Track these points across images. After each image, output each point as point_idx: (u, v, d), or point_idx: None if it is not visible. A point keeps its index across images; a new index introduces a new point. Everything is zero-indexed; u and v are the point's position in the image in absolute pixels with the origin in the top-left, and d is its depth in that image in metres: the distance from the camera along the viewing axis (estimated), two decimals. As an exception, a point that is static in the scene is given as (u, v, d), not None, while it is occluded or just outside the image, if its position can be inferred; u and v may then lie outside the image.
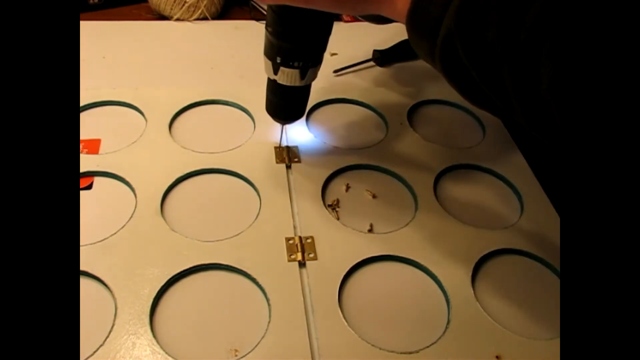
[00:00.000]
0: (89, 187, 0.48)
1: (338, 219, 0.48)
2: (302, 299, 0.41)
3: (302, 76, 0.45)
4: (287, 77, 0.45)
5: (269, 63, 0.45)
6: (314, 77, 0.47)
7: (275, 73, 0.45)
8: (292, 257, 0.44)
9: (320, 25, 0.44)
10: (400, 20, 0.35)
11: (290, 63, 0.44)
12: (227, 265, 0.43)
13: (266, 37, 0.45)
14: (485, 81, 0.32)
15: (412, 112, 0.62)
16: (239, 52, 0.70)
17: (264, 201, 0.48)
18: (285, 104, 0.49)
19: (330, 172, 0.52)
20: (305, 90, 0.49)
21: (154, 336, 0.38)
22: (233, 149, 0.53)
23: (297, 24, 0.42)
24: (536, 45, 0.28)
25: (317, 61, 0.46)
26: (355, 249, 0.45)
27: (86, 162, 0.50)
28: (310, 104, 0.56)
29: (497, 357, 0.39)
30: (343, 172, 0.53)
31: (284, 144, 0.54)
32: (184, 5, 0.74)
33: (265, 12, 0.79)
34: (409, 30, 0.35)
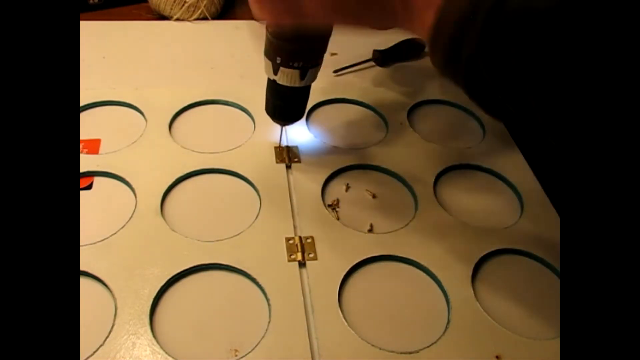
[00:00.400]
0: (89, 187, 0.48)
1: (338, 219, 0.48)
2: (302, 299, 0.41)
3: (302, 77, 0.45)
4: (287, 77, 0.45)
5: (269, 63, 0.45)
6: (313, 78, 0.47)
7: (275, 73, 0.45)
8: (292, 257, 0.44)
9: (321, 26, 0.44)
10: (424, 38, 0.34)
11: (290, 63, 0.44)
12: (227, 265, 0.43)
13: (266, 37, 0.44)
14: (510, 100, 0.32)
15: (412, 112, 0.62)
16: (239, 52, 0.70)
17: (264, 201, 0.48)
18: (285, 105, 0.49)
19: (330, 172, 0.52)
20: (304, 91, 0.49)
21: (154, 336, 0.38)
22: (233, 149, 0.53)
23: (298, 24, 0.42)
24: (559, 65, 0.28)
25: (317, 62, 0.46)
26: (355, 249, 0.45)
27: (86, 162, 0.50)
28: (310, 104, 0.56)
29: (497, 357, 0.39)
30: (343, 172, 0.53)
31: (284, 144, 0.54)
32: (184, 5, 0.74)
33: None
34: (431, 53, 0.34)
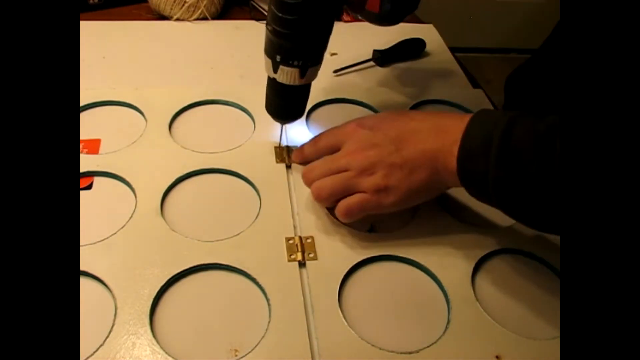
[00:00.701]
0: (89, 187, 0.48)
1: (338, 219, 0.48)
2: (302, 299, 0.41)
3: (302, 75, 0.45)
4: (287, 75, 0.45)
5: (269, 61, 0.45)
6: (313, 76, 0.47)
7: (275, 71, 0.45)
8: (292, 257, 0.44)
9: (321, 24, 0.44)
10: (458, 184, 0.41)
11: (290, 62, 0.44)
12: (227, 265, 0.43)
13: (266, 35, 0.44)
14: (542, 212, 0.37)
15: (412, 112, 0.62)
16: (239, 52, 0.70)
17: (264, 201, 0.48)
18: (285, 104, 0.49)
19: (330, 172, 0.52)
20: (304, 90, 0.48)
21: (154, 336, 0.38)
22: (233, 149, 0.53)
23: (298, 23, 0.42)
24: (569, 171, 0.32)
25: (317, 60, 0.46)
26: (355, 249, 0.45)
27: (86, 162, 0.50)
28: (310, 104, 0.56)
29: (497, 357, 0.39)
30: (343, 172, 0.53)
31: (284, 143, 0.54)
32: (184, 5, 0.74)
33: (265, 12, 0.79)
34: (466, 188, 0.41)
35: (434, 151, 0.42)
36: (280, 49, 0.44)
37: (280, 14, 0.42)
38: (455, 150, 0.40)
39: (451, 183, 0.42)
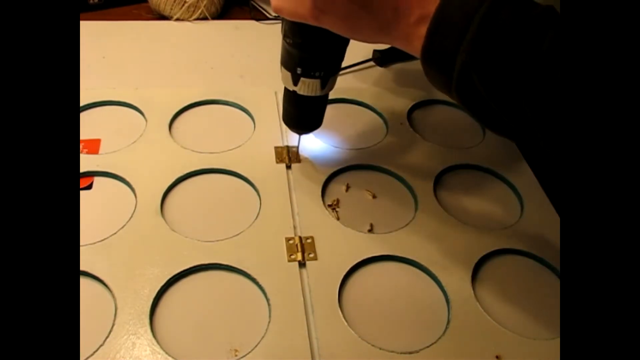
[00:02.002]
0: (89, 187, 0.48)
1: (338, 219, 0.48)
2: (302, 299, 0.41)
3: (323, 85, 0.45)
4: (308, 87, 0.44)
5: (288, 74, 0.44)
6: (333, 85, 0.46)
7: (295, 84, 0.45)
8: (292, 257, 0.44)
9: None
10: (416, 55, 0.35)
11: (312, 73, 0.44)
12: (227, 265, 0.43)
13: (284, 48, 0.44)
14: (505, 110, 0.33)
15: (412, 112, 0.62)
16: (239, 52, 0.70)
17: (264, 201, 0.48)
18: (306, 115, 0.48)
19: (330, 172, 0.52)
20: (324, 99, 0.48)
21: (154, 336, 0.38)
22: (233, 149, 0.53)
23: (319, 34, 0.41)
24: (553, 71, 0.29)
25: (336, 69, 0.45)
26: (355, 249, 0.45)
27: (86, 162, 0.50)
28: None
29: (497, 357, 0.39)
30: (343, 172, 0.53)
31: (301, 152, 0.53)
32: (184, 5, 0.74)
33: (265, 12, 0.79)
34: (424, 65, 0.35)
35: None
36: (301, 61, 0.43)
37: (300, 25, 0.40)
38: (422, 29, 0.34)
39: (396, 32, 0.36)
